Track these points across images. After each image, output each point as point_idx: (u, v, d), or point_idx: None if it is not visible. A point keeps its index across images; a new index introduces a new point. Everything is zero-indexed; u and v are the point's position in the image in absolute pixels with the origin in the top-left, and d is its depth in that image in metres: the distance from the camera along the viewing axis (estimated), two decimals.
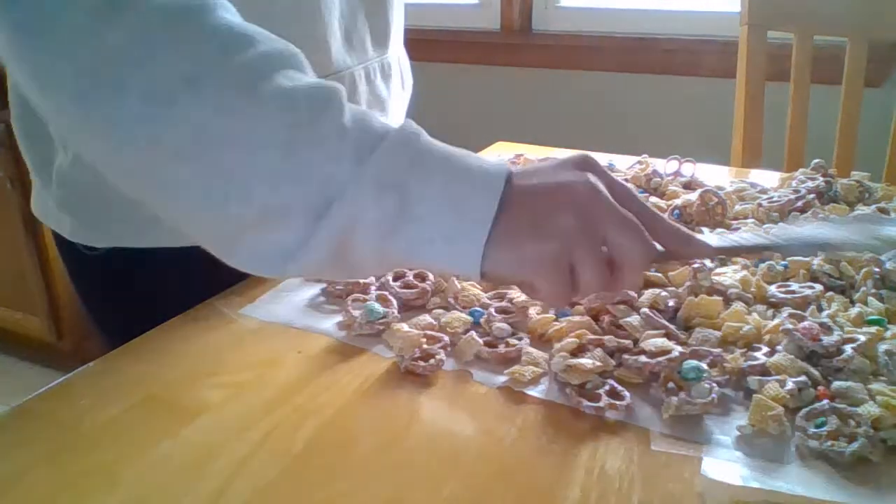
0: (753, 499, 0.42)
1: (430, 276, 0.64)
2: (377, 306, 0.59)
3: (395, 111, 0.83)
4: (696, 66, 1.72)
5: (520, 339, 0.57)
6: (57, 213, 0.70)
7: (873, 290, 0.60)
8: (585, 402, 0.50)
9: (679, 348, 0.53)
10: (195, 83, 0.41)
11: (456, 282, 0.64)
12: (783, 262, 0.66)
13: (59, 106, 0.43)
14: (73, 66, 0.41)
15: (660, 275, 0.63)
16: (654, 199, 0.84)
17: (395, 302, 0.61)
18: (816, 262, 0.65)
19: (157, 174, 0.43)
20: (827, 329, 0.54)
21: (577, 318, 0.58)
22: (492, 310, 0.60)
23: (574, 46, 1.86)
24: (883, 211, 0.74)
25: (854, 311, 0.58)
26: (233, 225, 0.44)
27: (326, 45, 0.68)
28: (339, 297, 0.64)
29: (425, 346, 0.55)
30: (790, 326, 0.54)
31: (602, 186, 0.44)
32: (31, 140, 0.70)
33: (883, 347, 0.53)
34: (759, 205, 0.80)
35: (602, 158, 1.02)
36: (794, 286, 0.62)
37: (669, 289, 0.60)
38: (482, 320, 0.59)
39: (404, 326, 0.57)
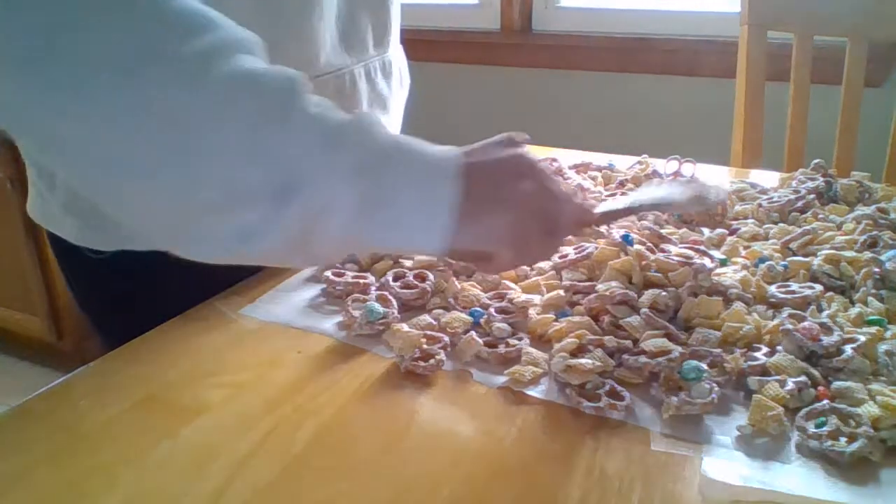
0: (753, 499, 0.42)
1: (430, 276, 0.64)
2: (377, 306, 0.59)
3: (395, 111, 0.83)
4: (696, 66, 1.72)
5: (520, 339, 0.57)
6: (61, 217, 0.70)
7: (873, 291, 0.60)
8: (585, 402, 0.50)
9: (679, 348, 0.53)
10: (157, 59, 0.40)
11: (456, 282, 0.64)
12: (783, 263, 0.66)
13: (7, 74, 0.40)
14: (28, 35, 0.39)
15: (660, 275, 0.63)
16: None
17: (395, 302, 0.61)
18: (817, 262, 0.65)
19: (113, 151, 0.41)
20: (827, 329, 0.54)
21: (577, 319, 0.58)
22: (492, 310, 0.60)
23: (574, 46, 1.86)
24: (883, 211, 0.74)
25: (854, 311, 0.58)
26: (191, 206, 0.43)
27: (315, 45, 0.68)
28: (339, 298, 0.64)
29: (425, 346, 0.55)
30: (790, 326, 0.54)
31: (543, 164, 0.48)
32: None
33: (883, 347, 0.53)
34: (759, 205, 0.80)
35: (602, 158, 1.02)
36: (794, 286, 0.62)
37: (669, 289, 0.60)
38: (482, 320, 0.59)
39: (404, 326, 0.57)
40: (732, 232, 0.76)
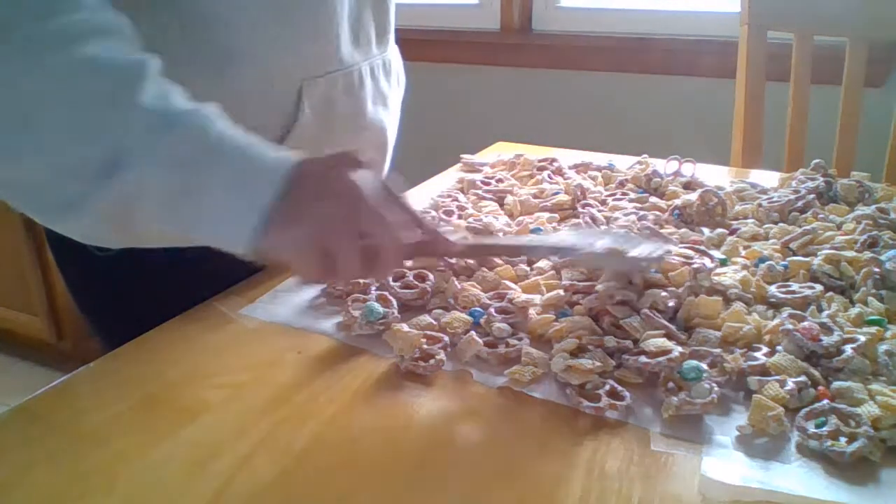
0: (753, 499, 0.42)
1: (430, 277, 0.64)
2: (377, 306, 0.59)
3: (395, 109, 0.84)
4: (696, 66, 1.71)
5: (520, 339, 0.57)
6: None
7: (873, 291, 0.60)
8: (585, 402, 0.50)
9: (679, 348, 0.53)
10: (6, 32, 0.43)
11: (456, 282, 0.64)
12: (783, 263, 0.66)
13: None
14: None
15: (659, 275, 0.63)
16: (654, 199, 0.84)
17: (395, 302, 0.61)
18: (817, 262, 0.65)
19: None
20: (827, 329, 0.54)
21: (577, 319, 0.58)
22: (492, 310, 0.60)
23: (574, 46, 1.86)
24: (883, 211, 0.74)
25: (854, 311, 0.58)
26: (22, 174, 0.47)
27: (335, 40, 0.70)
28: (339, 298, 0.64)
29: (425, 346, 0.55)
30: (790, 327, 0.54)
31: (368, 184, 0.49)
32: None
33: (883, 347, 0.53)
34: (759, 205, 0.80)
35: (602, 158, 1.02)
36: (795, 286, 0.62)
37: (669, 289, 0.60)
38: (482, 321, 0.59)
39: (404, 326, 0.56)
40: (732, 232, 0.76)
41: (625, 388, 0.51)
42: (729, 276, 0.64)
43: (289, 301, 0.65)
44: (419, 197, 0.88)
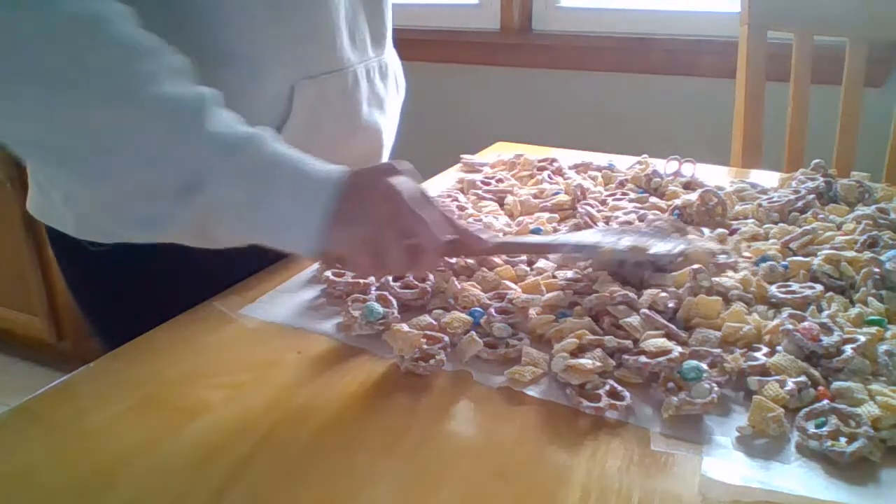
0: (753, 499, 0.42)
1: (430, 277, 0.64)
2: (377, 307, 0.59)
3: (392, 113, 0.84)
4: (696, 66, 1.71)
5: (520, 339, 0.57)
6: (61, 210, 0.70)
7: (873, 291, 0.60)
8: (585, 402, 0.50)
9: (679, 348, 0.53)
10: (95, 80, 0.51)
11: (456, 282, 0.64)
12: (783, 263, 0.66)
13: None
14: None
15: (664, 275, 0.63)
16: (654, 199, 0.84)
17: (395, 302, 0.61)
18: (817, 262, 0.65)
19: (59, 148, 0.53)
20: (827, 329, 0.54)
21: (577, 319, 0.58)
22: (492, 310, 0.60)
23: (574, 46, 1.86)
24: (883, 211, 0.74)
25: (854, 311, 0.58)
26: (111, 195, 0.55)
27: (333, 40, 0.71)
28: (340, 298, 0.64)
29: (425, 346, 0.55)
30: (790, 327, 0.54)
31: (409, 189, 0.56)
32: None
33: (883, 347, 0.53)
34: (759, 205, 0.80)
35: (602, 158, 1.02)
36: (795, 286, 0.62)
37: (669, 289, 0.60)
38: (482, 321, 0.59)
39: (404, 327, 0.56)
40: (733, 232, 0.76)
41: (625, 388, 0.51)
42: (729, 276, 0.64)
43: (289, 301, 0.65)
44: None
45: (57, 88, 0.50)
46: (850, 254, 0.65)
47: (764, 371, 0.52)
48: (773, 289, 0.62)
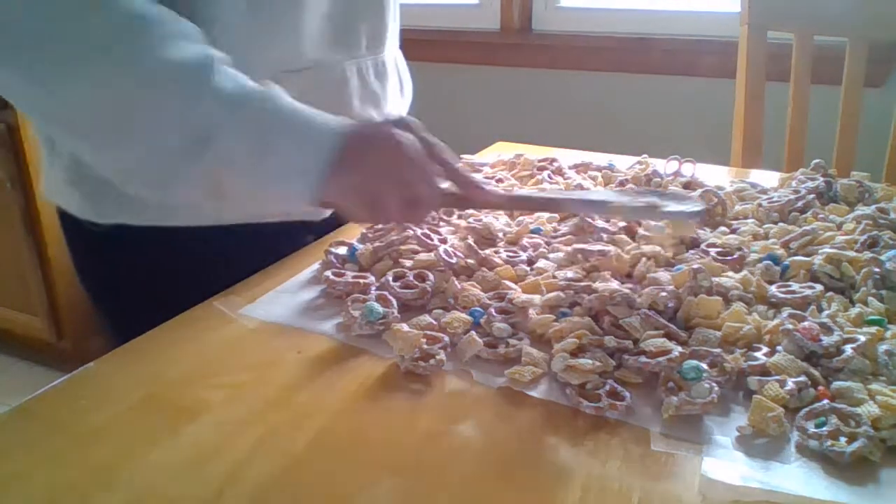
0: (753, 499, 0.42)
1: (431, 277, 0.64)
2: (377, 306, 0.59)
3: (390, 111, 0.84)
4: (696, 66, 1.72)
5: (520, 339, 0.57)
6: (66, 189, 0.73)
7: (873, 291, 0.60)
8: (585, 402, 0.50)
9: (679, 348, 0.53)
10: (107, 52, 0.54)
11: (456, 282, 0.64)
12: (784, 263, 0.66)
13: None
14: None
15: (660, 276, 0.63)
16: None
17: (395, 302, 0.61)
18: (817, 262, 0.65)
19: (69, 125, 0.57)
20: (827, 329, 0.54)
21: (577, 319, 0.58)
22: (492, 310, 0.60)
23: (574, 46, 1.86)
24: (883, 211, 0.74)
25: (854, 311, 0.58)
26: (130, 156, 0.57)
27: (299, 37, 0.71)
28: (340, 298, 0.64)
29: (425, 346, 0.55)
30: (790, 326, 0.54)
31: (411, 142, 0.58)
32: None
33: (883, 347, 0.53)
34: (759, 205, 0.80)
35: (602, 158, 1.02)
36: (795, 286, 0.62)
37: (669, 289, 0.60)
38: (482, 321, 0.59)
39: (404, 326, 0.56)
40: (733, 232, 0.76)
41: (625, 388, 0.51)
42: (729, 276, 0.64)
43: (289, 301, 0.65)
44: None
45: (68, 59, 0.53)
46: (850, 254, 0.65)
47: (764, 371, 0.52)
48: (773, 289, 0.62)
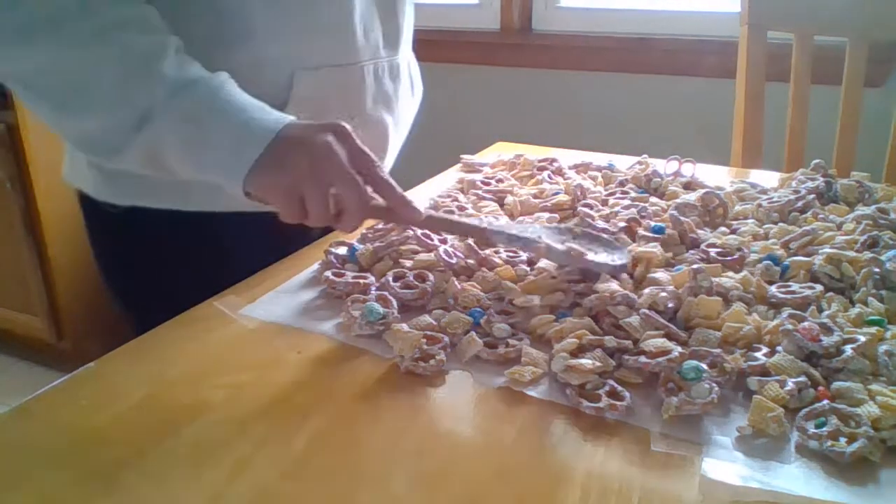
0: (753, 499, 0.42)
1: (431, 277, 0.64)
2: (377, 307, 0.59)
3: (403, 114, 0.85)
4: (696, 66, 1.72)
5: (520, 339, 0.57)
6: (86, 172, 0.76)
7: (873, 291, 0.60)
8: (585, 403, 0.50)
9: (679, 348, 0.53)
10: (72, 24, 0.58)
11: (456, 282, 0.64)
12: (784, 263, 0.66)
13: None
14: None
15: (660, 277, 0.63)
16: (654, 199, 0.84)
17: (395, 302, 0.61)
18: (817, 262, 0.65)
19: (29, 87, 0.61)
20: (827, 329, 0.54)
21: (577, 319, 0.58)
22: (492, 310, 0.60)
23: (574, 46, 1.86)
24: (883, 211, 0.74)
25: (854, 311, 0.58)
26: (80, 127, 0.62)
27: (346, 36, 0.73)
28: (339, 298, 0.64)
29: (425, 346, 0.55)
30: (790, 327, 0.54)
31: (339, 148, 0.59)
32: None
33: (883, 347, 0.53)
34: (759, 205, 0.80)
35: (602, 158, 1.02)
36: (795, 286, 0.62)
37: (669, 289, 0.60)
38: (482, 321, 0.59)
39: (404, 327, 0.57)
40: (732, 232, 0.76)
41: (625, 388, 0.51)
42: (729, 276, 0.64)
43: (289, 301, 0.65)
44: (419, 197, 0.88)
45: (35, 30, 0.58)
46: (850, 254, 0.65)
47: (764, 371, 0.52)
48: (773, 289, 0.62)
